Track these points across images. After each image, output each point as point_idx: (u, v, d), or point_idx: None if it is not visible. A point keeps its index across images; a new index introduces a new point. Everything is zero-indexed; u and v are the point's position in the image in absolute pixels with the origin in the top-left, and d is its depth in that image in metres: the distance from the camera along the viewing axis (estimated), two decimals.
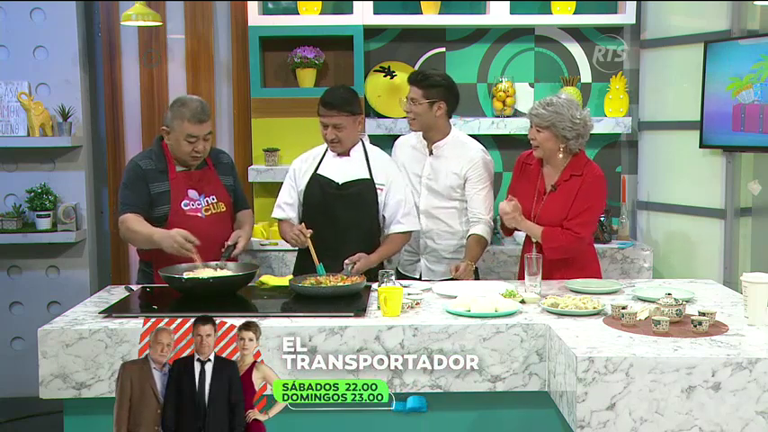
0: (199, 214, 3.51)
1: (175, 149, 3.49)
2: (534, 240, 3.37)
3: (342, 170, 3.62)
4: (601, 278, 3.56)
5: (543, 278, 3.21)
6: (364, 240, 3.56)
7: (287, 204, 3.69)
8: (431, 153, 3.75)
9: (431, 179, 3.72)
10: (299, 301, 3.12)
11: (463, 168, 3.67)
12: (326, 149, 3.67)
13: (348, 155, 3.64)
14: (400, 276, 3.85)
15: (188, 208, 3.49)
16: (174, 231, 3.29)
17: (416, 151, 3.79)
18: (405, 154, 3.85)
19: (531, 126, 3.46)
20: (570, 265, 3.45)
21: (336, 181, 3.60)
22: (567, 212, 3.42)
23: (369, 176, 3.61)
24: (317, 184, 3.61)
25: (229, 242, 3.50)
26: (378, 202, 3.61)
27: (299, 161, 3.73)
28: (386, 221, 3.65)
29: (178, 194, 3.49)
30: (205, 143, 3.48)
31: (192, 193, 3.52)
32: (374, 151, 3.69)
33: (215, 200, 3.57)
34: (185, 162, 3.52)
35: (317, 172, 3.63)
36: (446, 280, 3.56)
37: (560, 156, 3.45)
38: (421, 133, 3.78)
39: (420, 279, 3.74)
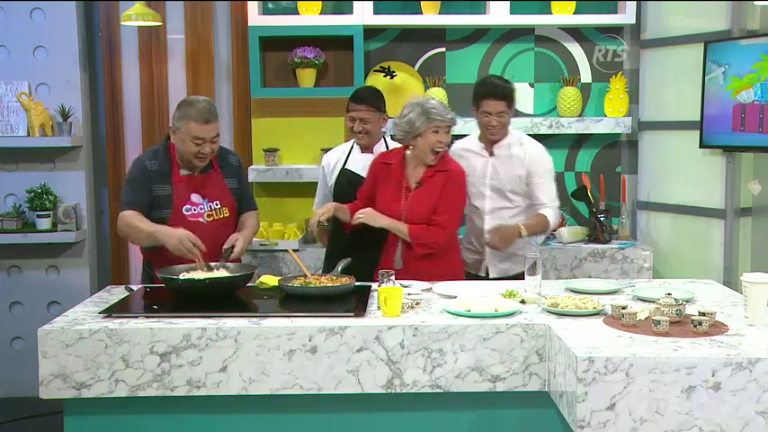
0: (200, 219, 3.44)
1: (181, 150, 3.41)
2: (401, 237, 3.52)
3: (366, 165, 3.81)
4: (461, 267, 3.72)
5: (406, 272, 3.39)
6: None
7: (321, 202, 3.97)
8: (491, 154, 3.85)
9: (494, 179, 3.84)
10: (299, 302, 3.11)
11: (525, 163, 3.79)
12: (352, 146, 3.92)
13: (371, 151, 3.87)
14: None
15: (189, 213, 3.42)
16: (181, 233, 3.22)
17: (478, 155, 3.90)
18: (467, 162, 3.85)
19: None
20: (433, 256, 3.54)
21: (362, 175, 3.81)
22: (434, 206, 3.52)
23: None
24: (346, 179, 3.87)
25: (226, 245, 3.41)
26: None
27: (328, 156, 4.01)
28: None
29: (180, 199, 3.42)
30: (212, 145, 3.40)
31: (196, 197, 3.45)
32: (395, 146, 3.84)
33: (219, 205, 3.50)
34: (190, 163, 3.44)
35: (345, 167, 3.89)
36: (513, 277, 3.72)
37: (408, 152, 3.58)
38: (478, 136, 3.90)
39: (487, 277, 3.87)
